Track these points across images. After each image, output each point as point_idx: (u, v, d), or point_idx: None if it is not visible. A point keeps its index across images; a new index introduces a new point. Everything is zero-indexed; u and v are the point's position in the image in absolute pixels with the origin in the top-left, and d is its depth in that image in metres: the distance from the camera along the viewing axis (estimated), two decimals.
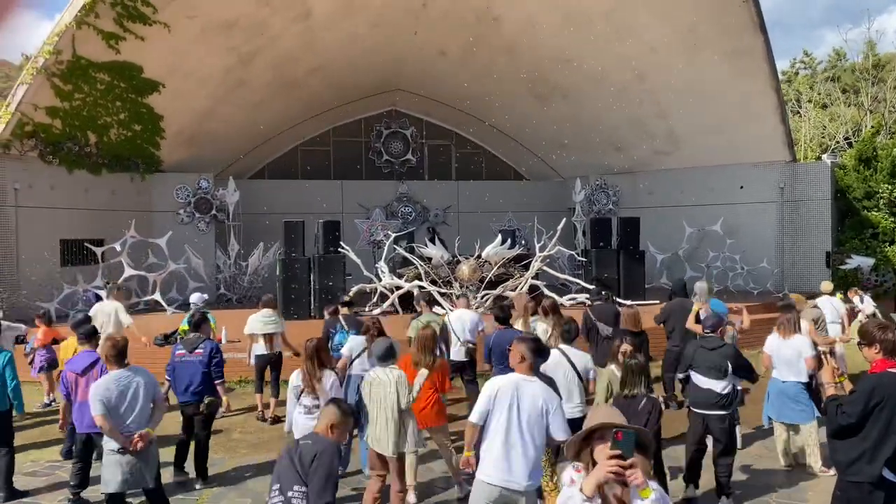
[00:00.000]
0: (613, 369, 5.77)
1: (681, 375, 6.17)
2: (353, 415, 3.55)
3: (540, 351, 4.25)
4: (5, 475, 6.03)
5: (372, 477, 5.36)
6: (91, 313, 8.64)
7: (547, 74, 16.82)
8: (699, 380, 5.76)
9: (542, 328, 7.69)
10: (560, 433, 3.94)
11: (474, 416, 4.06)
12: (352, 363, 6.81)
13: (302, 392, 5.45)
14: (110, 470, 4.77)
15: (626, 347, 5.78)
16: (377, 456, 5.25)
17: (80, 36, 12.50)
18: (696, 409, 5.82)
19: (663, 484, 5.29)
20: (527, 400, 3.95)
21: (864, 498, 3.85)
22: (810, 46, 50.74)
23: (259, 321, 8.40)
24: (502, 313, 7.18)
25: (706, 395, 5.69)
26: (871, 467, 3.79)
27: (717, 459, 5.75)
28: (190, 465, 6.47)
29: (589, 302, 9.95)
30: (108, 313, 8.81)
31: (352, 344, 6.88)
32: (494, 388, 4.02)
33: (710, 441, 5.87)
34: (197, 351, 6.36)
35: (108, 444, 4.79)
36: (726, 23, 13.94)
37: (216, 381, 6.47)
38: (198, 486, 6.30)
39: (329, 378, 5.46)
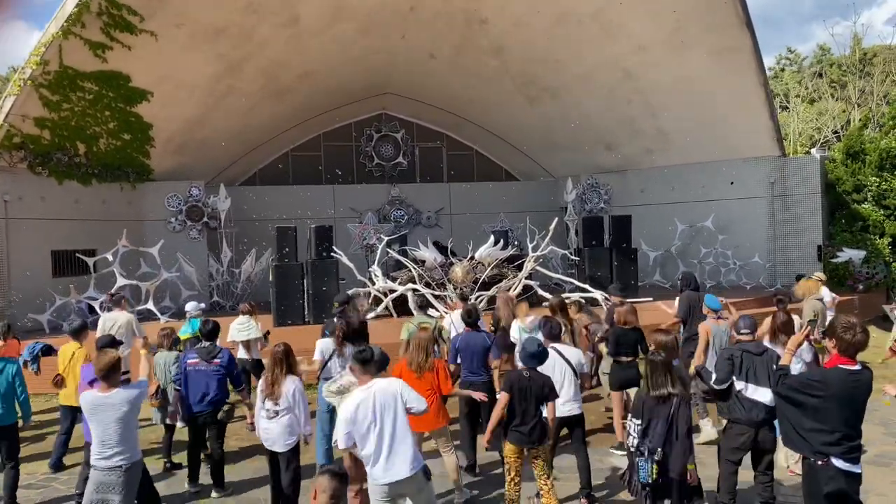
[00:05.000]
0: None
1: (723, 387, 5.28)
2: (346, 476, 3.57)
3: (383, 363, 4.81)
4: (10, 489, 6.02)
5: (351, 493, 5.16)
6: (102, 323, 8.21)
7: (536, 75, 16.87)
8: (751, 391, 5.15)
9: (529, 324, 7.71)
10: (419, 405, 4.44)
11: (340, 443, 4.39)
12: (325, 366, 6.54)
13: (265, 396, 5.46)
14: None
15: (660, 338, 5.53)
16: (354, 464, 5.06)
17: (66, 46, 12.46)
18: (745, 425, 5.16)
19: None
20: (379, 398, 4.35)
21: (815, 474, 4.06)
22: (800, 42, 51.04)
23: (235, 328, 8.56)
24: (469, 317, 6.96)
25: (759, 408, 5.12)
26: (810, 446, 4.04)
27: (762, 474, 5.30)
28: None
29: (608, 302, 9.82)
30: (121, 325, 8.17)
31: (322, 346, 6.58)
32: (352, 407, 4.33)
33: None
34: (215, 360, 6.30)
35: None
36: (712, 20, 14.02)
37: (239, 390, 6.48)
38: (214, 495, 6.32)
39: (291, 384, 5.43)
